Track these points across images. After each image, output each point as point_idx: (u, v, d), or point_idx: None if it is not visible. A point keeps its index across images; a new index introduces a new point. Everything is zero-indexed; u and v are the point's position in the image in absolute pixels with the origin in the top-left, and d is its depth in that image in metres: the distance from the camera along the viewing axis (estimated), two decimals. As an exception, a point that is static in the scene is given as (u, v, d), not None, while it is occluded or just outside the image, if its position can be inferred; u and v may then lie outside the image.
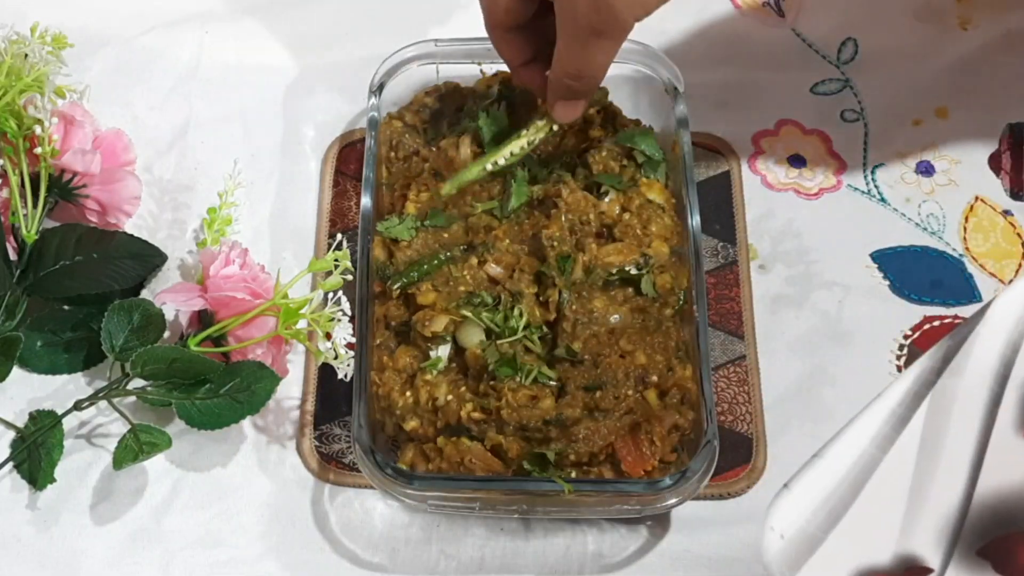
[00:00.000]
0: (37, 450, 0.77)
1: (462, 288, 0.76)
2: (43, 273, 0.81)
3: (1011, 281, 0.79)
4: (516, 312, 0.75)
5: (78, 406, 0.77)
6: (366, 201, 0.80)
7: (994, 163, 0.90)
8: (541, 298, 0.76)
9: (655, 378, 0.74)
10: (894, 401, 0.57)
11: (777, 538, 0.55)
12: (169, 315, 0.81)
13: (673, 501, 0.71)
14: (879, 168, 0.90)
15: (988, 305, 0.58)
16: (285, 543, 0.76)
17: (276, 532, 0.76)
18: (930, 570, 0.54)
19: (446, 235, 0.79)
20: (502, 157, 0.79)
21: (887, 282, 0.85)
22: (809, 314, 0.84)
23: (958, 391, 0.57)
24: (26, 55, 0.82)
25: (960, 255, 0.87)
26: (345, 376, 0.74)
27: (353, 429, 0.73)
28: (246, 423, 0.79)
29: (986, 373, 0.57)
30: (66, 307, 0.82)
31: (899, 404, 0.57)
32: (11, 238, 0.82)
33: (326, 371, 0.79)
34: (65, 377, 0.81)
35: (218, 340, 0.77)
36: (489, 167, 0.79)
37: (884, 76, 0.94)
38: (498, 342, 0.74)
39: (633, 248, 0.77)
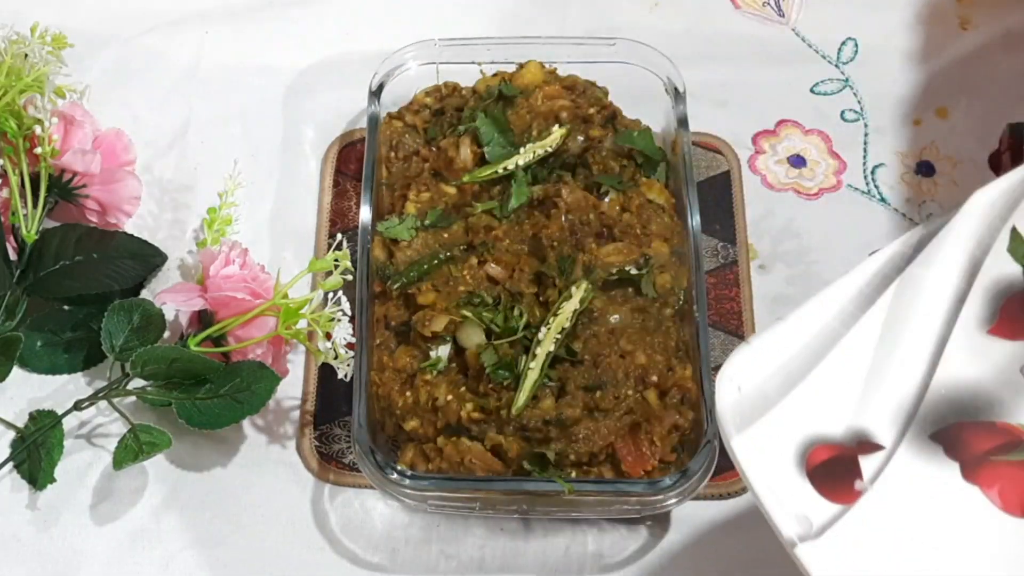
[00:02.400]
0: (37, 450, 0.77)
1: (462, 288, 0.76)
2: (43, 273, 0.81)
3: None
4: (516, 312, 0.75)
5: (78, 406, 0.77)
6: (366, 201, 0.80)
7: (994, 163, 0.90)
8: (541, 298, 0.76)
9: (655, 378, 0.74)
10: (862, 280, 0.58)
11: (734, 389, 0.55)
12: (169, 315, 0.81)
13: (673, 501, 0.71)
14: (879, 168, 0.90)
15: (963, 202, 0.59)
16: (285, 543, 0.76)
17: (276, 532, 0.76)
18: (881, 447, 0.55)
19: (446, 235, 0.79)
20: (516, 162, 0.80)
21: (887, 282, 0.85)
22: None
23: (926, 281, 0.58)
24: (26, 55, 0.82)
25: (960, 255, 0.86)
26: (345, 376, 0.74)
27: (353, 429, 0.73)
28: (246, 423, 0.79)
29: (954, 267, 0.58)
30: (66, 307, 0.82)
31: (867, 284, 0.58)
32: (11, 238, 0.82)
33: (326, 371, 0.79)
34: (65, 377, 0.81)
35: (218, 340, 0.77)
36: (501, 171, 0.80)
37: (884, 76, 0.94)
38: (496, 342, 0.74)
39: (633, 248, 0.77)
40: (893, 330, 0.57)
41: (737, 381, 0.56)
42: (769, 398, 0.56)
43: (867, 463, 0.55)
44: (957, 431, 0.55)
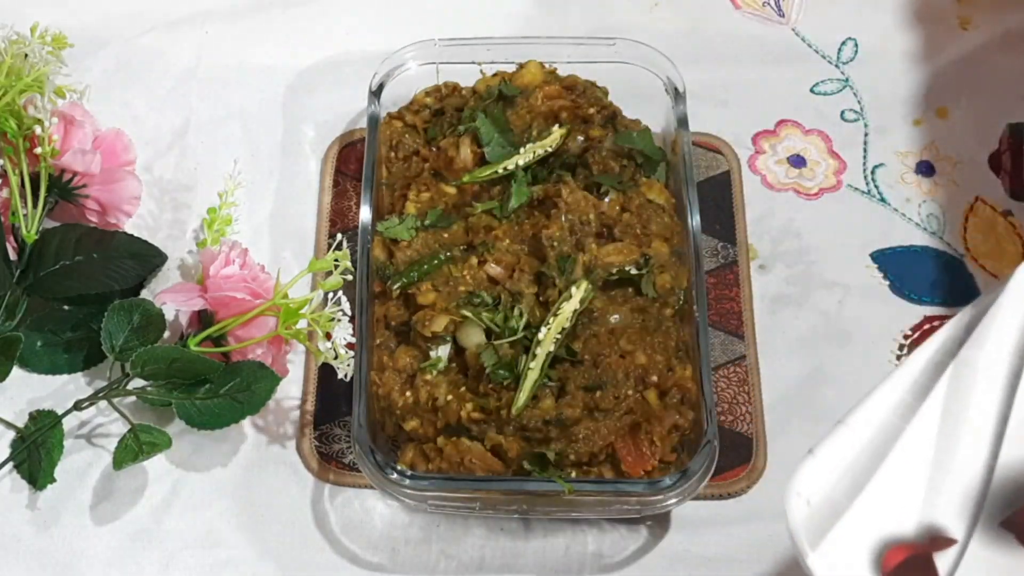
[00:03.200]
0: (37, 450, 0.77)
1: (462, 288, 0.76)
2: (43, 273, 0.81)
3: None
4: (516, 312, 0.75)
5: (78, 406, 0.77)
6: (366, 201, 0.80)
7: (994, 163, 0.90)
8: (541, 298, 0.76)
9: (655, 378, 0.74)
10: (916, 370, 0.57)
11: (803, 504, 0.55)
12: (169, 315, 0.81)
13: (673, 501, 0.71)
14: (879, 168, 0.90)
15: (1009, 276, 0.59)
16: (285, 543, 0.76)
17: (276, 532, 0.76)
18: (954, 540, 0.54)
19: (446, 235, 0.79)
20: (516, 162, 0.80)
21: (887, 282, 0.85)
22: (809, 314, 0.84)
23: (979, 362, 0.57)
24: (26, 55, 0.82)
25: (960, 255, 0.87)
26: (345, 376, 0.74)
27: (353, 429, 0.73)
28: (246, 423, 0.79)
29: (1007, 344, 0.57)
30: (66, 307, 0.82)
31: (921, 373, 0.57)
32: (11, 238, 0.82)
33: (326, 371, 0.79)
34: (65, 377, 0.81)
35: (218, 340, 0.77)
36: (501, 171, 0.80)
37: (884, 76, 0.94)
38: (496, 342, 0.74)
39: (633, 248, 0.77)
40: (952, 417, 0.56)
41: (806, 495, 0.55)
42: (838, 506, 0.55)
43: (942, 560, 0.54)
44: None
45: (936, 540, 0.54)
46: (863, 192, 0.89)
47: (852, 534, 0.55)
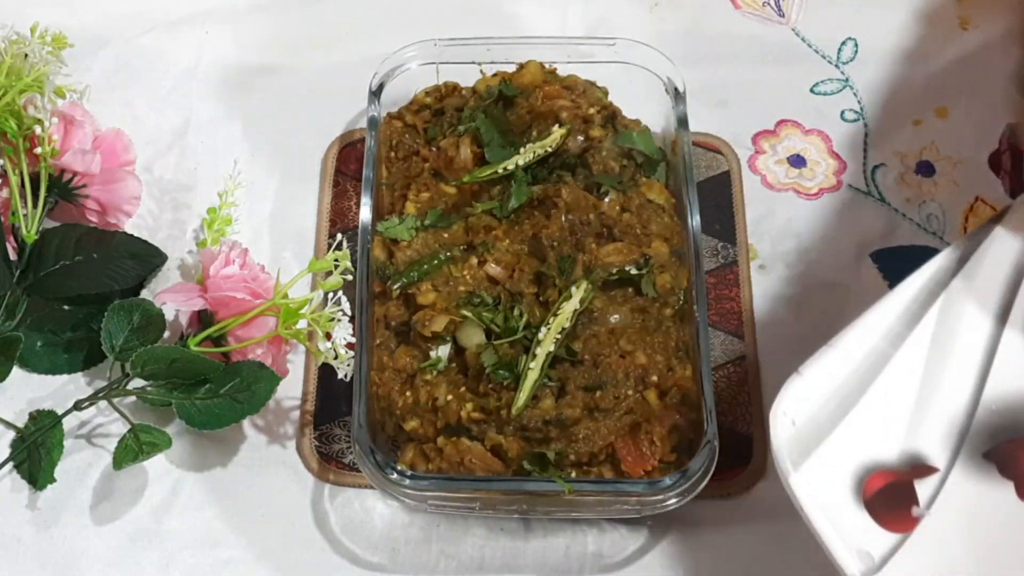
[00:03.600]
0: (37, 450, 0.77)
1: (462, 288, 0.76)
2: (43, 273, 0.81)
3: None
4: (516, 312, 0.75)
5: (78, 406, 0.77)
6: (366, 201, 0.80)
7: (994, 163, 0.90)
8: (541, 298, 0.76)
9: (655, 378, 0.74)
10: (907, 298, 0.57)
11: (788, 423, 0.55)
12: (169, 315, 0.81)
13: (673, 501, 0.71)
14: (879, 168, 0.90)
15: (1004, 211, 0.58)
16: (285, 543, 0.76)
17: (276, 532, 0.76)
18: (935, 469, 0.54)
19: (446, 235, 0.79)
20: (516, 162, 0.80)
21: (887, 282, 0.85)
22: (809, 314, 0.84)
23: (970, 294, 0.57)
24: (26, 55, 0.82)
25: (960, 255, 0.87)
26: (345, 376, 0.74)
27: (353, 429, 0.73)
28: (246, 423, 0.80)
29: (999, 279, 0.57)
30: (66, 307, 0.82)
31: (912, 301, 0.57)
32: (11, 238, 0.82)
33: (326, 371, 0.79)
34: (65, 377, 0.81)
35: (218, 340, 0.77)
36: (501, 171, 0.80)
37: (884, 76, 0.94)
38: (496, 343, 0.74)
39: (633, 248, 0.77)
40: (941, 347, 0.56)
41: (791, 415, 0.55)
42: (823, 428, 0.55)
43: (923, 487, 0.54)
44: (1010, 448, 0.55)
45: (918, 468, 0.54)
46: (863, 192, 0.89)
47: (835, 457, 0.54)
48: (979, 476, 0.54)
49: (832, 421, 0.55)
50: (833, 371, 0.55)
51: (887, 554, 0.53)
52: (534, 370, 0.72)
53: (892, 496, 0.54)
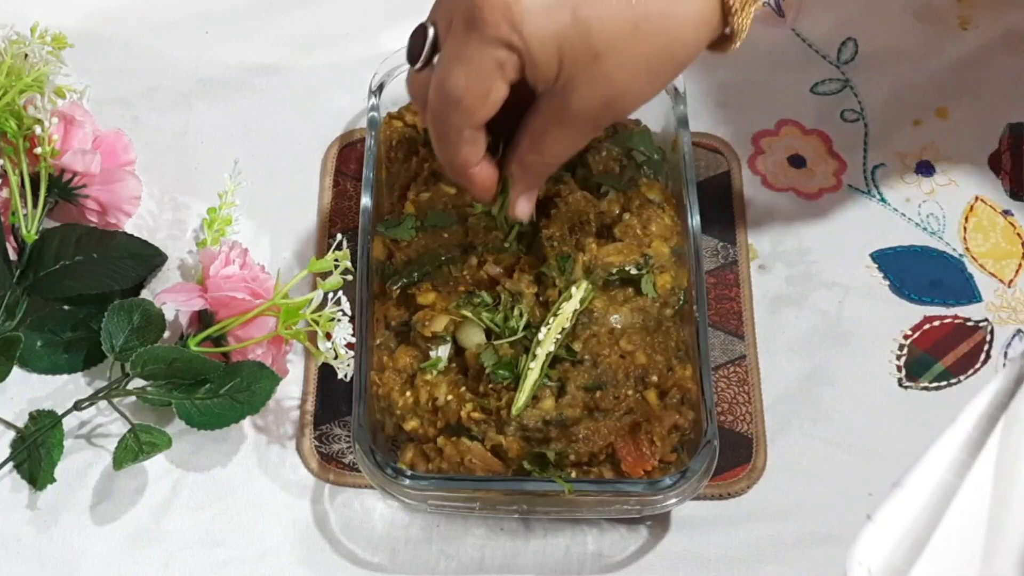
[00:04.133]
0: (37, 450, 0.77)
1: (462, 288, 0.77)
2: (43, 273, 0.81)
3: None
4: (516, 312, 0.75)
5: (78, 406, 0.77)
6: (366, 201, 0.80)
7: (994, 163, 0.90)
8: (541, 298, 0.76)
9: (655, 378, 0.74)
10: (969, 426, 0.57)
11: (864, 573, 0.55)
12: (169, 315, 0.81)
13: (673, 501, 0.71)
14: (879, 168, 0.90)
15: None
16: (285, 543, 0.76)
17: (276, 532, 0.76)
18: None
19: (446, 235, 0.79)
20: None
21: (887, 282, 0.85)
22: (809, 314, 0.84)
23: None
24: (26, 55, 0.82)
25: (960, 255, 0.87)
26: (345, 376, 0.74)
27: (353, 429, 0.73)
28: (246, 423, 0.79)
29: None
30: (66, 307, 0.82)
31: (973, 428, 0.57)
32: (11, 238, 0.82)
33: (326, 371, 0.79)
34: (65, 377, 0.81)
35: (218, 340, 0.77)
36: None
37: (884, 76, 0.94)
38: (496, 342, 0.74)
39: (633, 248, 0.77)
40: (1006, 471, 0.56)
41: (867, 564, 0.55)
42: (899, 571, 0.55)
43: None
44: None
45: None
46: (863, 192, 0.89)
47: None
48: None
49: (907, 562, 0.55)
50: (903, 511, 0.56)
51: None
52: (534, 370, 0.72)
53: None
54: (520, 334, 0.74)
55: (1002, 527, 0.55)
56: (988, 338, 0.83)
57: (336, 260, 0.74)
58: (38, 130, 0.81)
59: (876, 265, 0.86)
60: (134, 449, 0.75)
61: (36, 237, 0.81)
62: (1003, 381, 0.58)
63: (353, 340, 0.74)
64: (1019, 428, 0.56)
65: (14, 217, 0.81)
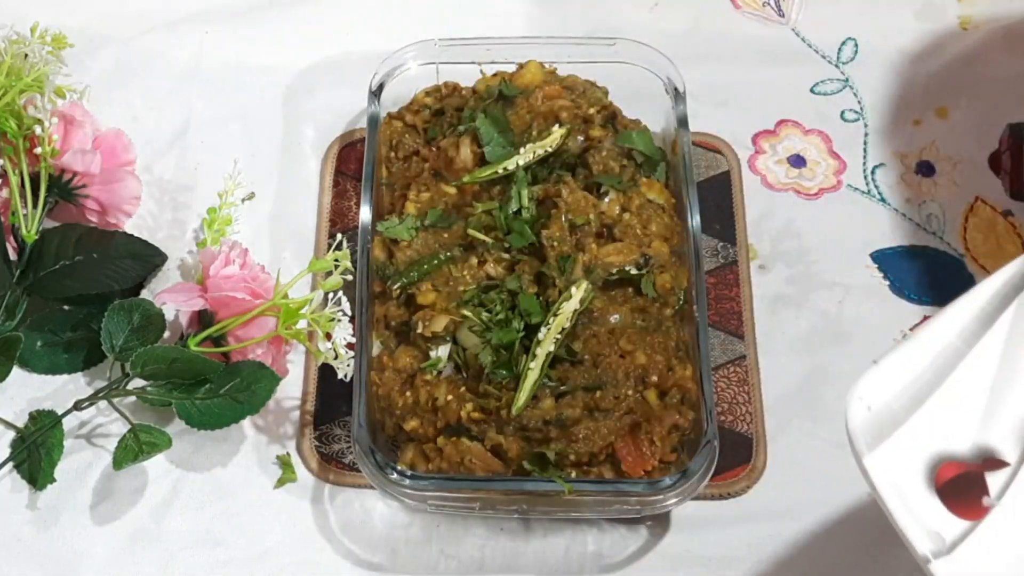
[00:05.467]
0: (37, 450, 0.77)
1: (462, 288, 0.77)
2: (43, 273, 0.81)
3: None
4: (516, 312, 0.75)
5: (78, 406, 0.77)
6: (366, 201, 0.80)
7: (994, 163, 0.90)
8: (541, 298, 0.76)
9: (655, 378, 0.74)
10: (983, 299, 0.59)
11: (864, 408, 0.56)
12: (169, 315, 0.81)
13: (673, 501, 0.71)
14: (879, 168, 0.90)
15: None
16: (285, 543, 0.76)
17: (276, 532, 0.76)
18: (1006, 463, 0.55)
19: (446, 235, 0.79)
20: (516, 162, 0.80)
21: (887, 282, 0.85)
22: (809, 314, 0.84)
23: None
24: (26, 55, 0.82)
25: (960, 255, 0.87)
26: (345, 376, 0.74)
27: (353, 429, 0.73)
28: (246, 423, 0.79)
29: None
30: (66, 307, 0.82)
31: (987, 303, 0.58)
32: (11, 238, 0.82)
33: (326, 371, 0.79)
34: (65, 377, 0.81)
35: (218, 340, 0.77)
36: (501, 171, 0.80)
37: (884, 76, 0.94)
38: (496, 343, 0.74)
39: (633, 248, 0.77)
40: (1015, 348, 0.58)
41: (867, 400, 0.56)
42: (897, 417, 0.56)
43: (993, 480, 0.56)
44: None
45: (989, 461, 0.56)
46: (863, 192, 0.89)
47: (908, 444, 0.56)
48: None
49: (906, 411, 0.57)
50: (908, 363, 0.57)
51: (957, 539, 0.55)
52: (534, 370, 0.72)
53: (963, 485, 0.56)
54: (520, 334, 0.74)
55: (1004, 398, 0.57)
56: (988, 338, 0.83)
57: (336, 260, 0.74)
58: (38, 130, 0.81)
59: (876, 265, 0.86)
60: (134, 449, 0.75)
61: (36, 237, 0.81)
62: (1019, 266, 0.59)
63: (353, 340, 0.74)
64: None
65: (14, 217, 0.81)
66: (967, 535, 0.55)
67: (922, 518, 0.55)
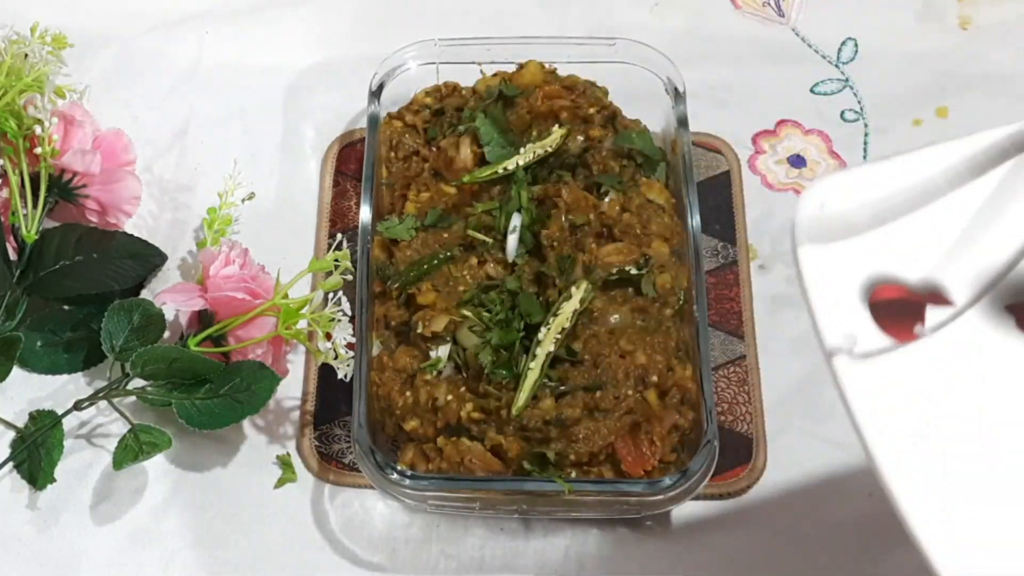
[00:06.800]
0: (37, 450, 0.77)
1: (462, 288, 0.77)
2: (43, 273, 0.81)
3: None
4: (516, 312, 0.75)
5: (78, 406, 0.77)
6: (366, 201, 0.80)
7: (994, 163, 0.90)
8: (541, 298, 0.76)
9: (655, 378, 0.74)
10: (977, 148, 0.57)
11: (817, 204, 0.55)
12: (169, 315, 0.81)
13: (673, 501, 0.71)
14: (879, 168, 0.90)
15: None
16: (285, 543, 0.76)
17: (276, 532, 0.76)
18: (951, 303, 0.54)
19: (446, 235, 0.79)
20: (516, 162, 0.80)
21: (887, 282, 0.85)
22: (809, 314, 0.84)
23: None
24: (26, 55, 0.82)
25: (960, 255, 0.86)
26: (345, 376, 0.74)
27: (353, 429, 0.73)
28: (246, 423, 0.80)
29: None
30: (66, 307, 0.82)
31: (982, 152, 0.57)
32: (11, 238, 0.82)
33: (326, 371, 0.79)
34: (65, 377, 0.81)
35: (218, 340, 0.77)
36: (501, 171, 0.80)
37: (884, 76, 0.94)
38: (496, 343, 0.74)
39: (633, 248, 0.77)
40: (999, 203, 0.56)
41: (821, 199, 0.55)
42: (852, 227, 0.55)
43: (933, 315, 0.54)
44: None
45: (935, 296, 0.54)
46: (863, 192, 0.89)
47: (854, 254, 0.54)
48: (994, 323, 0.54)
49: (865, 225, 0.55)
50: (880, 182, 0.56)
51: (874, 351, 0.53)
52: (534, 370, 0.72)
53: (899, 308, 0.54)
54: (520, 334, 0.74)
55: (971, 246, 0.55)
56: (988, 337, 0.83)
57: (336, 260, 0.74)
58: (38, 130, 0.81)
59: (876, 265, 0.86)
60: (134, 449, 0.75)
61: (36, 237, 0.81)
62: None
63: (353, 340, 0.74)
64: None
65: (14, 217, 0.81)
66: (886, 352, 0.53)
67: (842, 317, 0.54)
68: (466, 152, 0.82)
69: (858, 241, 0.55)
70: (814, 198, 0.55)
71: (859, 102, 0.93)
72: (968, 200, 0.56)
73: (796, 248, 0.54)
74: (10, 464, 0.78)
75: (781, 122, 0.93)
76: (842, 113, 0.93)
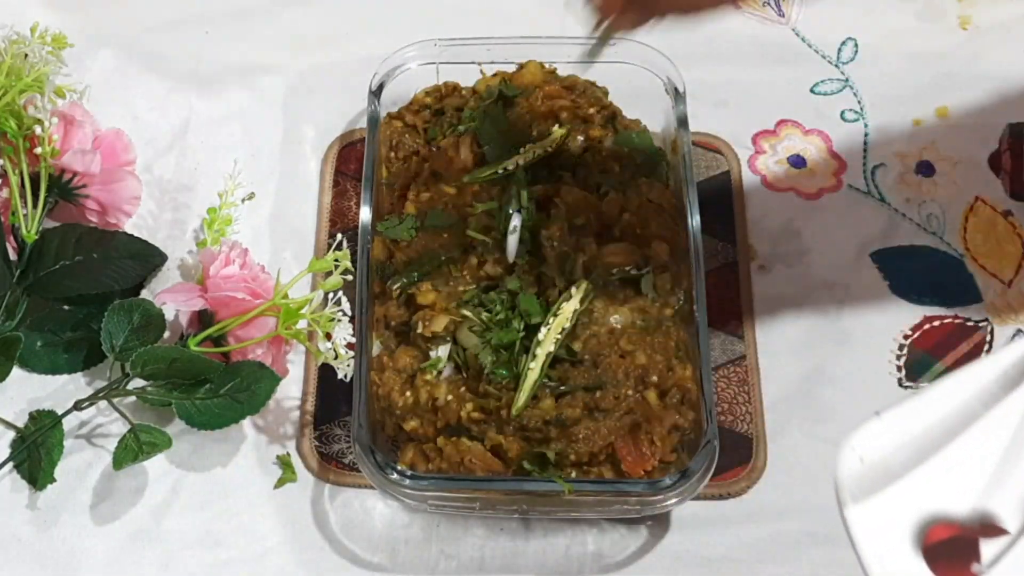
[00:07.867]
0: (37, 450, 0.77)
1: (462, 288, 0.77)
2: (43, 273, 0.81)
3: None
4: (516, 312, 0.75)
5: (78, 406, 0.77)
6: (366, 201, 0.80)
7: (994, 163, 0.90)
8: (541, 298, 0.76)
9: (655, 378, 0.74)
10: (1007, 363, 0.57)
11: (855, 459, 0.54)
12: (169, 315, 0.81)
13: (673, 501, 0.71)
14: (879, 168, 0.90)
15: None
16: (285, 543, 0.76)
17: (276, 532, 0.76)
18: (1006, 532, 0.54)
19: (446, 235, 0.79)
20: (516, 162, 0.80)
21: (887, 282, 0.85)
22: (809, 314, 0.84)
23: None
24: (26, 55, 0.82)
25: (960, 255, 0.87)
26: (345, 376, 0.74)
27: (353, 429, 0.73)
28: (246, 423, 0.80)
29: None
30: (66, 307, 0.82)
31: (1012, 367, 0.57)
32: (11, 238, 0.82)
33: (326, 371, 0.79)
34: (65, 377, 0.81)
35: (218, 340, 0.77)
36: (501, 171, 0.80)
37: (884, 76, 0.94)
38: (496, 343, 0.74)
39: (633, 248, 0.77)
40: None
41: (860, 452, 0.55)
42: (893, 472, 0.55)
43: (988, 547, 0.53)
44: None
45: (987, 527, 0.54)
46: (863, 192, 0.89)
47: (900, 500, 0.54)
48: None
49: (905, 467, 0.55)
50: (915, 419, 0.55)
51: None
52: (534, 370, 0.72)
53: (954, 549, 0.54)
54: (520, 334, 0.74)
55: (1015, 466, 0.55)
56: (988, 338, 0.83)
57: (336, 260, 0.74)
58: (38, 130, 0.81)
59: (876, 265, 0.86)
60: (134, 449, 0.75)
61: (36, 237, 0.81)
62: None
63: (353, 340, 0.74)
64: None
65: (14, 217, 0.81)
66: None
67: (897, 572, 0.53)
68: (466, 152, 0.82)
69: (902, 485, 0.54)
70: (852, 452, 0.54)
71: (859, 102, 0.93)
72: (1006, 417, 0.56)
73: (842, 508, 0.54)
74: (10, 464, 0.78)
75: (781, 122, 0.93)
76: (842, 113, 0.93)
